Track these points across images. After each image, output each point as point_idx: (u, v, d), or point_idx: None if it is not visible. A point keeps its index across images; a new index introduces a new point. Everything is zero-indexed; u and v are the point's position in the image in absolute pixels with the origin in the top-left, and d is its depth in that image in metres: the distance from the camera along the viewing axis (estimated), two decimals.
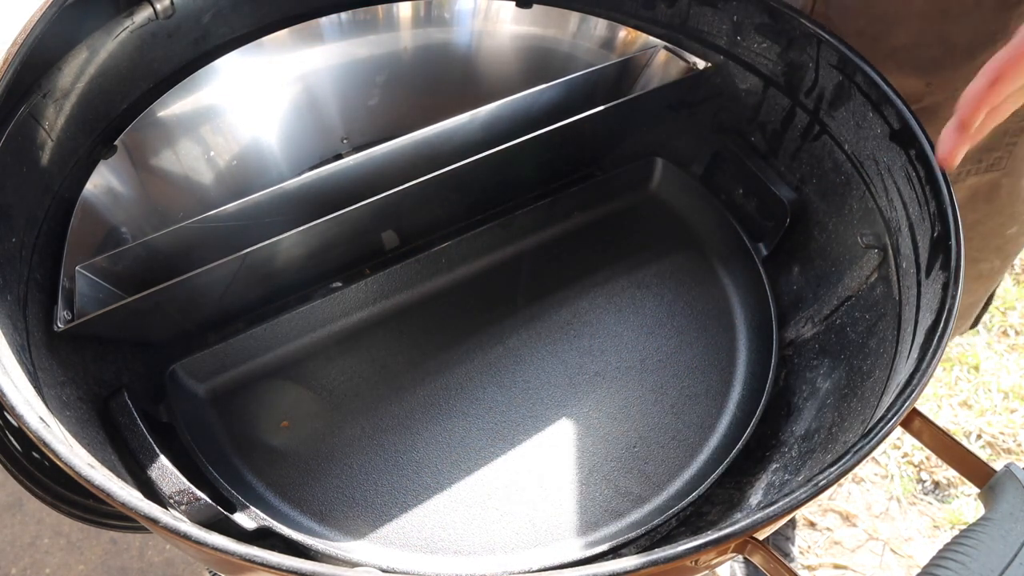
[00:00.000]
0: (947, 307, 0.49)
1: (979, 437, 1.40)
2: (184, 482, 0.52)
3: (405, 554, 0.58)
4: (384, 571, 0.46)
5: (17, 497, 1.24)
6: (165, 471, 0.52)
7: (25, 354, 0.50)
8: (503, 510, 0.60)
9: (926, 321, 0.52)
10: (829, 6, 0.68)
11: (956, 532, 0.46)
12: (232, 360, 0.66)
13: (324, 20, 0.75)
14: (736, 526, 0.40)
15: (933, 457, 1.34)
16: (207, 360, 0.65)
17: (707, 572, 0.50)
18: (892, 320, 0.59)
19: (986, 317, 1.55)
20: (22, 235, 0.56)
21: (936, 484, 1.34)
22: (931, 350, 0.48)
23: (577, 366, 0.69)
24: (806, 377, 0.66)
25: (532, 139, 0.66)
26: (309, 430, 0.64)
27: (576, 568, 0.38)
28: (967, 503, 1.31)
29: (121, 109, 0.68)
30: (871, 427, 0.45)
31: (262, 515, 0.54)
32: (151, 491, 0.52)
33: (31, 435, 0.41)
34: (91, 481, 0.40)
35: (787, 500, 0.41)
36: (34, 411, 0.42)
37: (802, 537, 1.28)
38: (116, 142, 0.65)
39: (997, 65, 0.51)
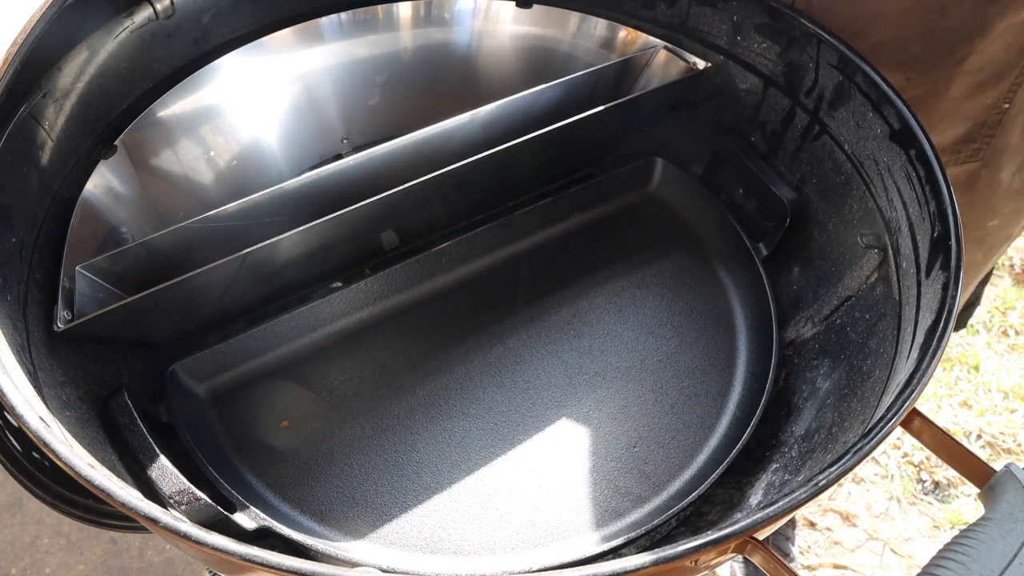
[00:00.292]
0: (947, 307, 0.49)
1: (979, 437, 1.40)
2: (184, 482, 0.52)
3: (405, 554, 0.58)
4: (384, 571, 0.46)
5: (17, 497, 1.24)
6: (165, 471, 0.52)
7: (25, 354, 0.50)
8: (503, 510, 0.60)
9: (926, 321, 0.52)
10: (810, 3, 0.68)
11: (956, 532, 0.46)
12: (232, 360, 0.66)
13: (324, 20, 0.75)
14: (736, 526, 0.40)
15: (933, 457, 1.34)
16: (207, 360, 0.65)
17: (707, 572, 0.50)
18: (892, 320, 0.59)
19: (986, 317, 1.55)
20: (22, 235, 0.56)
21: (936, 484, 1.34)
22: (931, 350, 0.48)
23: (577, 366, 0.69)
24: (806, 377, 0.66)
25: (532, 139, 0.66)
26: (309, 430, 0.64)
27: (576, 568, 0.38)
28: (967, 503, 1.31)
29: (121, 109, 0.68)
30: (871, 427, 0.45)
31: (262, 515, 0.54)
32: (151, 491, 0.52)
33: (31, 435, 0.41)
34: (91, 481, 0.40)
35: (787, 500, 0.41)
36: (34, 411, 0.42)
37: (802, 537, 1.28)
38: (116, 142, 0.65)
39: None
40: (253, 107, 0.74)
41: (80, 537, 1.21)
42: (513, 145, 0.66)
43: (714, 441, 0.65)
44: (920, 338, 0.51)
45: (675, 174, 0.80)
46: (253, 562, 0.37)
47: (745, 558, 0.43)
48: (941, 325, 0.49)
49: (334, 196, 0.63)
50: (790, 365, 0.69)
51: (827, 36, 0.64)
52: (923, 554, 1.26)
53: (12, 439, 0.55)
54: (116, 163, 0.65)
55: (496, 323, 0.72)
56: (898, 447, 1.38)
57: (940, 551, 0.42)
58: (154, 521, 0.39)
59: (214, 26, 0.72)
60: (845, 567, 1.25)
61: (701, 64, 0.73)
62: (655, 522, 0.57)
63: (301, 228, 0.60)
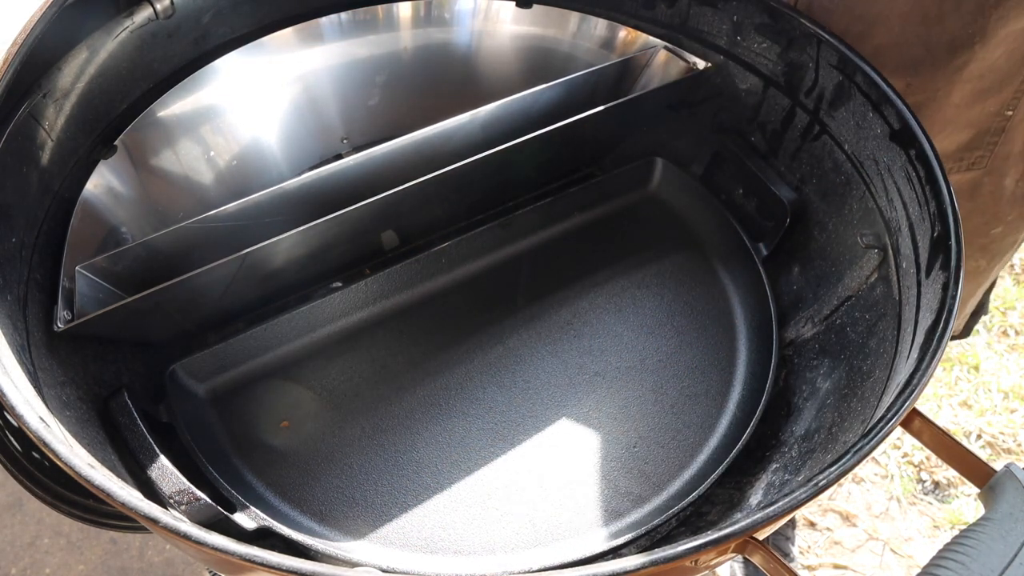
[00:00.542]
0: (947, 307, 0.49)
1: (979, 437, 1.40)
2: (184, 482, 0.52)
3: (405, 554, 0.58)
4: (384, 571, 0.46)
5: (17, 497, 1.24)
6: (165, 471, 0.52)
7: (25, 354, 0.50)
8: (503, 510, 0.60)
9: (926, 321, 0.52)
10: (811, 6, 0.68)
11: (956, 532, 0.46)
12: (232, 360, 0.66)
13: (324, 20, 0.75)
14: (736, 526, 0.40)
15: (933, 457, 1.34)
16: (207, 360, 0.65)
17: (707, 572, 0.50)
18: (892, 320, 0.59)
19: (986, 317, 1.55)
20: (22, 235, 0.56)
21: (936, 484, 1.34)
22: (931, 350, 0.48)
23: (577, 366, 0.69)
24: (806, 377, 0.66)
25: (532, 139, 0.66)
26: (309, 430, 0.64)
27: (576, 568, 0.38)
28: (967, 503, 1.31)
29: (121, 109, 0.68)
30: (871, 427, 0.45)
31: (262, 515, 0.54)
32: (151, 491, 0.52)
33: (31, 435, 0.41)
34: (91, 481, 0.40)
35: (787, 500, 0.41)
36: (34, 411, 0.42)
37: (802, 537, 1.28)
38: (116, 142, 0.65)
39: None
40: (253, 107, 0.74)
41: (80, 537, 1.21)
42: (513, 145, 0.66)
43: (714, 441, 0.65)
44: (920, 338, 0.51)
45: (675, 174, 0.80)
46: (253, 562, 0.37)
47: (745, 558, 0.43)
48: (941, 325, 0.49)
49: (334, 196, 0.63)
50: (790, 365, 0.69)
51: (827, 36, 0.64)
52: (923, 554, 1.26)
53: (12, 439, 0.55)
54: (116, 163, 0.65)
55: (496, 323, 0.72)
56: (898, 447, 1.38)
57: (940, 551, 0.42)
58: (154, 521, 0.39)
59: (214, 26, 0.72)
60: (845, 567, 1.25)
61: (701, 64, 0.73)
62: (655, 522, 0.57)
63: (301, 228, 0.60)
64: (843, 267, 0.67)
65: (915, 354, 0.51)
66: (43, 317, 0.56)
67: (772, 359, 0.66)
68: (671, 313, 0.73)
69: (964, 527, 0.44)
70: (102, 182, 0.64)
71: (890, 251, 0.61)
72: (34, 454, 0.56)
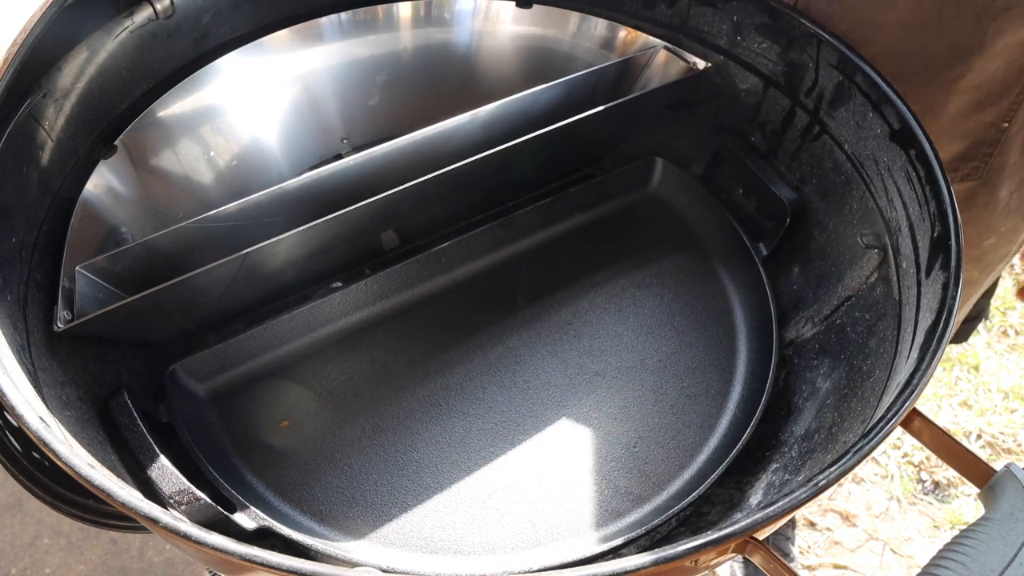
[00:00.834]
0: (947, 307, 0.49)
1: (979, 437, 1.40)
2: (184, 482, 0.52)
3: (405, 554, 0.58)
4: (384, 571, 0.46)
5: (17, 497, 1.24)
6: (165, 471, 0.52)
7: (25, 354, 0.50)
8: (503, 510, 0.60)
9: (926, 321, 0.52)
10: (809, 10, 0.68)
11: (956, 532, 0.46)
12: (232, 360, 0.66)
13: (324, 20, 0.75)
14: (736, 526, 0.40)
15: (933, 457, 1.34)
16: (207, 360, 0.65)
17: (707, 572, 0.50)
18: (892, 320, 0.59)
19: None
20: (22, 235, 0.56)
21: (936, 484, 1.34)
22: (931, 350, 0.48)
23: (577, 366, 0.69)
24: (806, 377, 0.66)
25: (532, 139, 0.66)
26: (309, 430, 0.64)
27: (576, 568, 0.38)
28: (967, 503, 1.31)
29: (121, 109, 0.68)
30: (871, 427, 0.45)
31: (262, 515, 0.54)
32: (151, 491, 0.52)
33: (31, 435, 0.41)
34: (91, 481, 0.40)
35: (787, 500, 0.41)
36: (34, 411, 0.42)
37: (802, 537, 1.28)
38: (116, 142, 0.65)
39: None
40: (253, 107, 0.74)
41: (80, 537, 1.21)
42: (513, 145, 0.66)
43: (714, 441, 0.65)
44: (920, 338, 0.51)
45: (675, 174, 0.80)
46: (253, 562, 0.37)
47: (745, 558, 0.43)
48: (941, 325, 0.49)
49: (334, 196, 0.63)
50: (790, 365, 0.69)
51: (827, 36, 0.64)
52: (923, 554, 1.26)
53: (12, 439, 0.55)
54: (116, 163, 0.65)
55: (496, 323, 0.72)
56: (898, 447, 1.38)
57: (940, 551, 0.42)
58: (154, 521, 0.39)
59: (214, 26, 0.72)
60: (845, 567, 1.25)
61: (701, 64, 0.73)
62: (655, 522, 0.57)
63: (301, 228, 0.60)
64: (843, 267, 0.67)
65: (915, 354, 0.51)
66: (43, 317, 0.56)
67: (772, 359, 0.66)
68: (671, 313, 0.73)
69: (964, 527, 0.44)
70: (102, 182, 0.64)
71: (890, 251, 0.61)
72: (34, 454, 0.56)
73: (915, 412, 0.49)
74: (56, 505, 0.57)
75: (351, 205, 0.61)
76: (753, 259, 0.72)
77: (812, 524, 1.30)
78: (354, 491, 0.61)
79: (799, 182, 0.72)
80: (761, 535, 0.42)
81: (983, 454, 1.36)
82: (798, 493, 0.41)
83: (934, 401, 1.44)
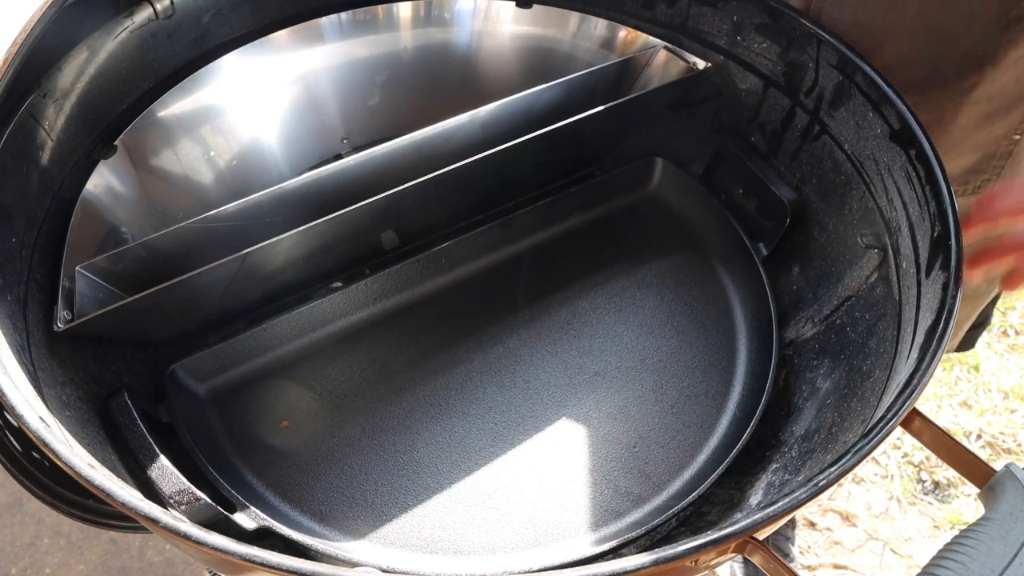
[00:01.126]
0: (947, 307, 0.49)
1: (979, 437, 1.40)
2: (184, 482, 0.52)
3: (405, 554, 0.58)
4: (384, 571, 0.46)
5: (17, 497, 1.24)
6: (165, 471, 0.52)
7: (25, 354, 0.50)
8: (503, 510, 0.60)
9: (926, 321, 0.52)
10: (820, 19, 0.68)
11: (956, 532, 0.46)
12: (232, 360, 0.66)
13: (324, 20, 0.75)
14: (736, 526, 0.40)
15: (933, 457, 1.34)
16: (207, 360, 0.65)
17: (707, 572, 0.50)
18: (892, 320, 0.59)
19: None
20: (22, 235, 0.56)
21: (936, 484, 1.34)
22: (931, 350, 0.48)
23: (577, 366, 0.69)
24: (806, 377, 0.66)
25: (532, 139, 0.66)
26: (309, 430, 0.64)
27: (576, 568, 0.38)
28: (967, 503, 1.31)
29: (121, 109, 0.68)
30: (871, 427, 0.45)
31: (262, 515, 0.54)
32: (151, 491, 0.52)
33: (31, 435, 0.41)
34: (91, 481, 0.40)
35: (787, 500, 0.41)
36: (34, 411, 0.42)
37: (802, 537, 1.28)
38: (116, 142, 0.65)
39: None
40: (253, 107, 0.74)
41: (80, 537, 1.21)
42: (513, 145, 0.66)
43: (714, 441, 0.65)
44: (920, 338, 0.51)
45: (675, 174, 0.80)
46: (253, 562, 0.37)
47: (745, 558, 0.43)
48: (941, 325, 0.49)
49: (334, 196, 0.63)
50: (790, 365, 0.69)
51: (827, 36, 0.64)
52: (923, 554, 1.26)
53: (12, 439, 0.55)
54: (116, 163, 0.65)
55: (496, 323, 0.72)
56: (898, 447, 1.38)
57: (940, 551, 0.42)
58: (154, 521, 0.39)
59: (214, 26, 0.72)
60: (845, 567, 1.25)
61: (701, 64, 0.73)
62: (655, 522, 0.57)
63: (301, 228, 0.60)
64: (843, 267, 0.67)
65: (915, 354, 0.51)
66: (43, 317, 0.56)
67: (772, 359, 0.66)
68: (671, 313, 0.73)
69: (964, 527, 0.44)
70: (102, 182, 0.64)
71: (890, 251, 0.61)
72: (34, 454, 0.56)
73: (915, 412, 0.49)
74: (56, 505, 0.57)
75: (351, 205, 0.61)
76: (753, 259, 0.72)
77: (812, 524, 1.30)
78: (354, 491, 0.61)
79: (799, 182, 0.72)
80: (761, 535, 0.42)
81: (983, 454, 1.36)
82: (798, 493, 0.41)
83: (934, 401, 1.44)
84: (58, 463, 0.40)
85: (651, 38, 0.76)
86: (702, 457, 0.64)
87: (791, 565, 0.42)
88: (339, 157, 0.78)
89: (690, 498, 0.58)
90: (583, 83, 0.73)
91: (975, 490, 0.48)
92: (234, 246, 0.59)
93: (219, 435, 0.63)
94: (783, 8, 0.67)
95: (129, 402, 0.56)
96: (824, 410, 0.61)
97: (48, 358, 0.54)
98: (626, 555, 0.52)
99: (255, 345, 0.67)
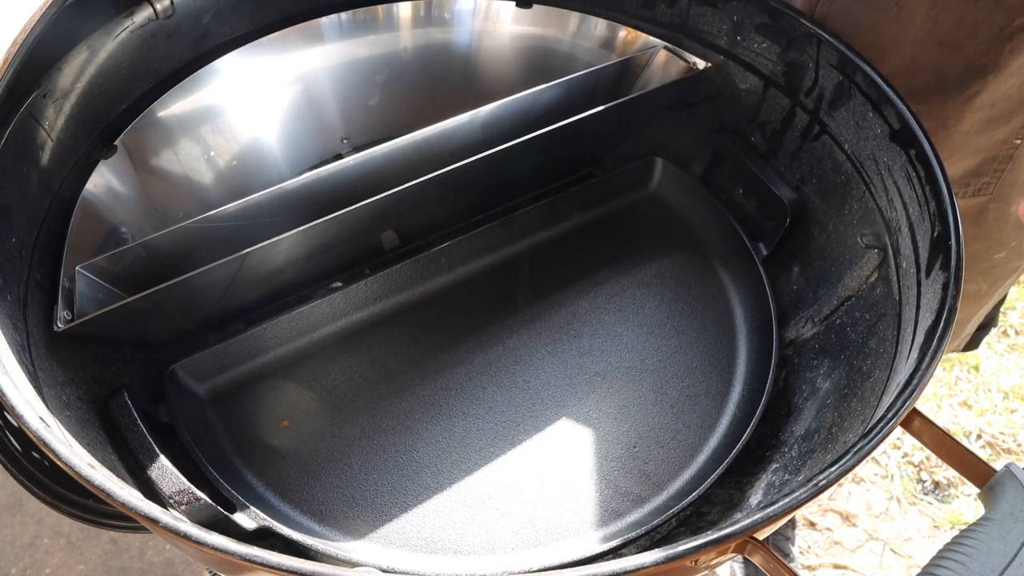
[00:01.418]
0: (947, 307, 0.49)
1: (979, 437, 1.40)
2: (184, 482, 0.52)
3: (405, 554, 0.58)
4: (384, 571, 0.46)
5: (17, 497, 1.24)
6: (165, 471, 0.52)
7: (25, 354, 0.50)
8: (503, 510, 0.60)
9: (926, 321, 0.52)
10: (824, 26, 0.68)
11: (956, 532, 0.46)
12: (232, 360, 0.66)
13: (324, 20, 0.75)
14: (736, 526, 0.40)
15: (933, 457, 1.34)
16: (207, 360, 0.65)
17: (707, 572, 0.50)
18: (892, 320, 0.59)
19: None
20: (22, 235, 0.56)
21: (936, 484, 1.34)
22: (931, 350, 0.48)
23: (577, 366, 0.69)
24: (806, 377, 0.66)
25: (532, 139, 0.66)
26: (309, 430, 0.64)
27: (576, 568, 0.38)
28: (967, 503, 1.31)
29: (121, 109, 0.68)
30: (871, 427, 0.45)
31: (262, 515, 0.54)
32: (151, 491, 0.52)
33: (31, 435, 0.41)
34: (91, 481, 0.40)
35: (787, 500, 0.41)
36: (34, 411, 0.42)
37: (802, 537, 1.28)
38: (116, 142, 0.65)
39: None
40: (253, 107, 0.74)
41: (80, 537, 1.21)
42: (513, 145, 0.66)
43: (714, 441, 0.65)
44: (920, 338, 0.51)
45: (675, 174, 0.80)
46: (253, 562, 0.37)
47: (745, 558, 0.43)
48: (941, 325, 0.49)
49: (334, 196, 0.63)
50: (790, 365, 0.69)
51: (827, 36, 0.64)
52: (923, 554, 1.26)
53: (12, 439, 0.55)
54: (116, 163, 0.65)
55: (496, 323, 0.72)
56: (898, 447, 1.38)
57: (940, 551, 0.42)
58: (154, 521, 0.39)
59: (214, 26, 0.72)
60: (845, 567, 1.25)
61: (701, 64, 0.73)
62: (655, 522, 0.57)
63: (301, 228, 0.60)
64: (843, 267, 0.67)
65: (915, 354, 0.51)
66: (43, 317, 0.56)
67: (772, 359, 0.66)
68: (671, 313, 0.73)
69: (964, 527, 0.44)
70: (102, 182, 0.64)
71: (890, 251, 0.61)
72: (34, 454, 0.56)
73: (915, 412, 0.49)
74: (56, 505, 0.57)
75: (351, 205, 0.61)
76: (753, 259, 0.72)
77: (812, 524, 1.30)
78: (354, 491, 0.61)
79: (799, 182, 0.72)
80: (761, 535, 0.42)
81: (983, 454, 1.36)
82: (798, 493, 0.41)
83: (934, 401, 1.44)
84: (58, 463, 0.40)
85: (651, 38, 0.76)
86: (702, 457, 0.64)
87: (791, 565, 0.42)
88: (339, 157, 0.78)
89: (690, 498, 0.58)
90: (583, 83, 0.73)
91: (975, 490, 0.48)
92: (234, 246, 0.59)
93: (219, 435, 0.63)
94: (783, 8, 0.67)
95: (129, 402, 0.56)
96: (824, 410, 0.61)
97: (48, 358, 0.54)
98: (626, 555, 0.52)
99: (255, 345, 0.67)
